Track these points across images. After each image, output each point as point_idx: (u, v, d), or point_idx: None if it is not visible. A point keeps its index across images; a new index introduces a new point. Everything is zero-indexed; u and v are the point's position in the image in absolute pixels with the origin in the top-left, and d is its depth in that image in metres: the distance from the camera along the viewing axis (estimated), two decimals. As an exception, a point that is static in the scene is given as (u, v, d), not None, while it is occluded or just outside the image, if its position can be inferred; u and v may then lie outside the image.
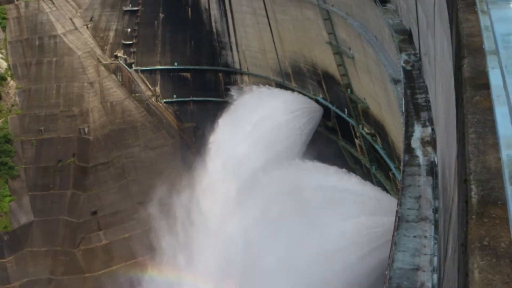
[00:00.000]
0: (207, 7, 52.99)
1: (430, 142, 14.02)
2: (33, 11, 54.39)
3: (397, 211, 11.52)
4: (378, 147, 34.69)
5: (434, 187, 12.30)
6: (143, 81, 55.57)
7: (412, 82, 17.77)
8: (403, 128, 15.02)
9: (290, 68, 47.10)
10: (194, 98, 55.57)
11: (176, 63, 55.32)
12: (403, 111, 16.06)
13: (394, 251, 10.46)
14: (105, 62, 54.75)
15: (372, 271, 23.20)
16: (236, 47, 52.39)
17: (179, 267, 45.76)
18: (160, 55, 55.56)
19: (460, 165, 6.74)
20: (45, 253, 49.61)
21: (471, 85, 6.85)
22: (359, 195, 28.18)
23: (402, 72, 18.94)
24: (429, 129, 14.67)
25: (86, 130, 52.09)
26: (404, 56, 20.04)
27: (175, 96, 55.60)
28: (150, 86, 55.65)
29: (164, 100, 55.49)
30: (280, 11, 44.69)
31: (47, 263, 49.50)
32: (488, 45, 6.83)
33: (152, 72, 55.73)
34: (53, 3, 54.95)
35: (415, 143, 14.00)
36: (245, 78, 53.13)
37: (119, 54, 55.48)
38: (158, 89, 55.75)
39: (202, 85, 55.25)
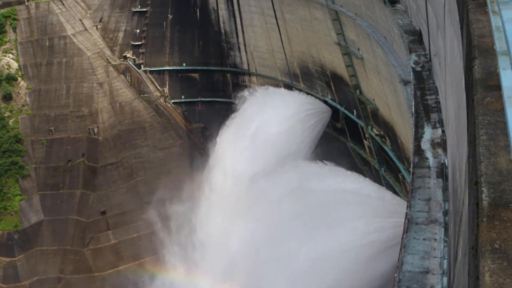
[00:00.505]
0: (215, 8, 53.06)
1: (440, 144, 13.90)
2: (43, 12, 54.79)
3: (406, 213, 11.43)
4: (388, 148, 34.51)
5: (444, 189, 12.19)
6: (152, 81, 55.78)
7: (422, 83, 17.65)
8: (413, 130, 14.91)
9: (298, 69, 47.01)
10: (202, 99, 55.67)
11: (184, 64, 55.45)
12: (413, 112, 15.94)
13: (403, 253, 10.38)
14: (114, 63, 55.02)
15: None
16: (244, 47, 52.40)
17: (186, 268, 45.82)
18: (168, 55, 55.73)
19: (471, 167, 6.67)
20: (54, 252, 49.95)
21: (482, 86, 6.78)
22: (367, 197, 28.04)
23: (412, 73, 18.82)
24: (439, 131, 14.55)
25: (96, 130, 52.37)
26: (414, 57, 19.91)
27: (183, 96, 55.73)
28: (158, 87, 55.85)
29: (173, 101, 55.64)
30: (288, 11, 44.62)
31: (56, 262, 49.83)
32: (499, 45, 6.76)
33: (160, 72, 55.92)
34: (63, 4, 55.32)
35: (425, 145, 13.88)
36: (253, 78, 53.13)
37: (128, 55, 55.74)
38: (166, 89, 55.92)
39: (210, 86, 55.33)
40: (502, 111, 5.96)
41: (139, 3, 55.77)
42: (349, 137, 43.32)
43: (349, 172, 32.83)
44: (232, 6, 51.66)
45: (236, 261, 34.81)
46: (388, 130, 33.87)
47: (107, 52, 55.34)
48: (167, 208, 49.63)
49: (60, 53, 54.04)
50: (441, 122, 14.93)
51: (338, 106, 42.65)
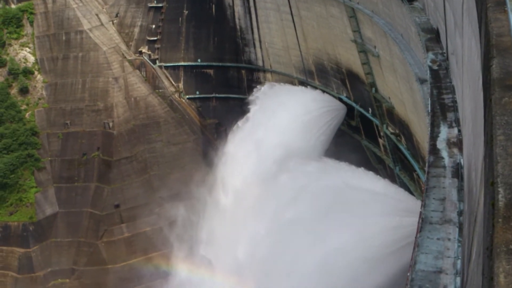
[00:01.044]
0: (231, 4, 53.07)
1: (456, 144, 13.78)
2: (60, 6, 55.30)
3: (420, 213, 11.37)
4: (403, 147, 34.27)
5: (460, 189, 12.09)
6: (167, 77, 56.05)
7: (439, 82, 17.49)
8: (429, 129, 14.78)
9: (313, 66, 46.85)
10: (216, 95, 55.80)
11: (199, 60, 55.60)
12: (429, 111, 15.81)
13: (416, 252, 10.34)
14: (129, 58, 55.38)
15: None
16: (260, 44, 52.35)
17: (198, 264, 46.06)
18: (183, 51, 55.93)
19: (487, 167, 6.62)
20: (68, 244, 50.58)
21: (500, 86, 6.72)
22: (381, 196, 27.91)
23: (428, 71, 18.65)
24: (455, 130, 14.42)
25: (111, 124, 52.82)
26: (431, 55, 19.73)
27: (198, 92, 55.92)
28: (173, 82, 56.10)
29: (187, 96, 55.86)
30: (304, 8, 44.45)
31: (70, 253, 50.46)
32: (518, 45, 6.68)
33: (175, 68, 56.16)
34: (80, -1, 55.81)
35: (441, 144, 13.76)
36: (268, 75, 53.08)
37: (143, 50, 56.06)
38: (181, 85, 56.16)
39: (224, 82, 55.42)
40: (520, 112, 5.90)
41: (155, -1, 56.04)
42: (364, 135, 43.11)
43: (361, 169, 32.68)
44: (248, 2, 51.63)
45: (247, 258, 34.90)
46: (404, 129, 33.64)
47: (123, 47, 55.71)
48: (180, 203, 49.93)
49: (77, 48, 54.54)
50: (457, 122, 14.80)
51: (353, 104, 42.43)
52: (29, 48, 55.48)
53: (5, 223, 50.23)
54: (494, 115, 6.22)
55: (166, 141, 53.37)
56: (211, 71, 55.96)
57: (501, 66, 7.08)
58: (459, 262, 10.24)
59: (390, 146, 37.31)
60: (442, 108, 15.60)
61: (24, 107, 53.83)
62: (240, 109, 49.96)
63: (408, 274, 9.99)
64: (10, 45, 55.46)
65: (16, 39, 55.58)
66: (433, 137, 14.11)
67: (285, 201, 32.47)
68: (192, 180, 50.17)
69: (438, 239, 10.69)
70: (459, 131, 14.41)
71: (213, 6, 54.28)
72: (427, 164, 13.19)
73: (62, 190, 51.86)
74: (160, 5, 55.95)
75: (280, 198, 33.72)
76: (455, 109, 15.55)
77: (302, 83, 48.60)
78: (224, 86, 55.33)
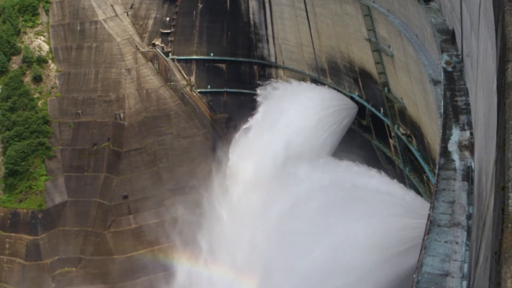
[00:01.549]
0: (246, -1, 53.00)
1: (468, 147, 13.66)
2: (76, -4, 55.58)
3: (429, 215, 11.29)
4: (413, 148, 34.05)
5: (469, 192, 11.99)
6: (179, 70, 56.16)
7: (453, 83, 17.32)
8: (441, 131, 14.66)
9: (326, 64, 46.66)
10: (228, 90, 55.84)
11: (212, 54, 55.63)
12: (442, 113, 15.67)
13: (423, 255, 10.28)
14: (143, 50, 55.56)
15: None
16: (273, 40, 52.24)
17: (206, 257, 46.23)
18: (196, 45, 55.98)
19: (499, 171, 6.54)
20: (76, 232, 51.01)
21: (515, 90, 6.62)
22: (387, 195, 27.78)
23: (442, 73, 18.48)
24: (467, 133, 14.29)
25: (122, 115, 53.09)
26: (445, 57, 19.54)
27: (209, 86, 55.98)
28: (185, 76, 56.21)
29: (198, 90, 55.96)
30: (319, 5, 44.25)
31: (78, 242, 50.89)
32: (535, 49, 6.58)
33: (188, 61, 56.25)
34: (96, -11, 56.01)
35: (452, 147, 13.65)
36: (280, 72, 52.98)
37: (156, 43, 56.20)
38: (193, 78, 56.25)
39: (236, 77, 55.42)
40: (534, 116, 5.81)
41: (170, -9, 56.08)
42: (375, 135, 42.90)
43: (372, 169, 32.53)
44: (263, -2, 51.54)
45: (256, 252, 34.96)
46: (415, 130, 33.41)
47: (136, 39, 55.89)
48: (188, 196, 50.11)
49: (91, 38, 54.81)
50: (470, 124, 14.66)
51: (365, 103, 42.21)
52: (44, 36, 55.85)
53: (14, 210, 50.77)
54: (508, 119, 6.14)
55: (176, 134, 53.55)
56: (223, 66, 55.98)
57: (517, 70, 6.98)
58: (466, 266, 10.17)
59: (400, 146, 37.10)
60: (454, 110, 15.46)
61: (37, 95, 54.26)
62: (251, 104, 49.94)
63: (414, 276, 9.94)
64: (25, 33, 55.88)
65: (31, 27, 55.98)
66: (445, 139, 14.00)
67: (294, 196, 32.42)
68: (201, 174, 50.33)
69: (445, 242, 10.61)
70: (471, 134, 14.28)
71: (228, 0, 54.23)
72: (437, 166, 13.08)
73: (72, 179, 52.28)
74: (175, -3, 56.03)
75: (289, 193, 33.68)
76: (468, 111, 15.40)
77: (314, 81, 48.44)
78: (235, 81, 55.34)
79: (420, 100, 30.01)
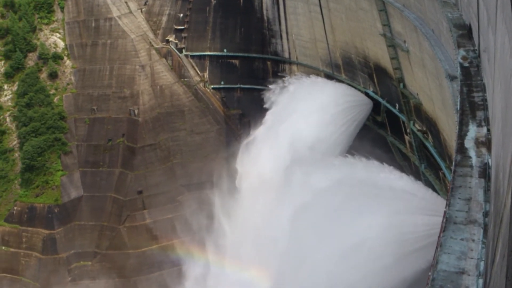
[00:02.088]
0: (259, -6, 52.83)
1: (485, 143, 13.47)
2: (90, -7, 55.96)
3: (445, 212, 11.18)
4: (429, 145, 33.71)
5: (486, 189, 11.84)
6: (192, 66, 56.30)
7: (469, 79, 17.08)
8: (457, 127, 14.48)
9: (340, 59, 46.38)
10: (241, 86, 55.83)
11: (225, 50, 55.63)
12: (458, 109, 15.48)
13: (439, 252, 10.18)
14: (156, 46, 55.78)
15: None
16: (286, 35, 52.05)
17: (219, 253, 46.41)
18: (210, 41, 56.03)
19: (517, 169, 6.44)
20: (92, 227, 51.57)
21: (535, 85, 6.51)
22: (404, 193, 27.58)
23: (459, 68, 18.23)
24: (484, 129, 14.09)
25: (136, 111, 53.43)
26: (462, 52, 19.27)
27: (222, 82, 56.03)
28: (198, 72, 56.32)
29: (212, 86, 56.04)
30: (333, 0, 43.97)
31: (93, 237, 51.46)
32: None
33: (201, 57, 56.34)
34: (110, -14, 56.32)
35: (469, 143, 13.47)
36: (294, 67, 52.80)
37: (170, 39, 56.36)
38: (206, 74, 56.34)
39: (250, 73, 55.37)
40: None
41: (184, -13, 56.14)
42: (390, 131, 42.57)
43: (386, 166, 32.31)
44: (276, -7, 51.34)
45: (269, 248, 34.98)
46: (431, 126, 33.08)
47: (150, 35, 56.13)
48: (201, 191, 50.31)
49: (105, 35, 55.18)
50: (487, 121, 14.46)
51: (380, 99, 41.88)
52: (59, 33, 56.36)
53: (31, 204, 51.48)
54: (527, 115, 6.03)
55: (190, 130, 53.74)
56: (236, 62, 55.96)
57: (536, 65, 6.86)
58: (482, 263, 10.05)
59: (416, 143, 36.77)
60: (471, 106, 15.26)
61: (52, 91, 54.84)
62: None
63: (429, 273, 9.85)
64: (40, 30, 56.46)
65: (47, 24, 56.53)
66: (461, 135, 13.83)
67: (308, 193, 32.33)
68: (215, 170, 50.47)
69: (461, 239, 10.50)
70: (488, 130, 14.09)
71: (241, -4, 54.17)
72: (453, 163, 12.93)
73: (87, 174, 52.82)
74: (188, -6, 56.08)
75: (302, 190, 33.59)
76: (485, 107, 15.19)
77: (328, 76, 48.19)
78: (249, 77, 55.29)
79: (436, 96, 29.70)
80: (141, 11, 57.14)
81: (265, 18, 53.19)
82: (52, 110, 53.58)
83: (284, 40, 52.47)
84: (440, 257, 10.09)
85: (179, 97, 54.52)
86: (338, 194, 29.33)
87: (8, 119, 54.50)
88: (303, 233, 30.40)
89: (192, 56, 56.23)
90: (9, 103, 54.95)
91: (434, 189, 31.74)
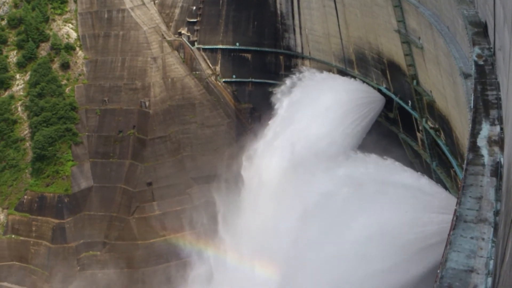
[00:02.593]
0: (273, -12, 52.59)
1: (498, 142, 13.30)
2: (104, -16, 56.09)
3: (455, 210, 11.07)
4: (441, 142, 33.43)
5: (498, 188, 11.70)
6: (204, 59, 56.28)
7: (484, 77, 16.87)
8: (470, 125, 14.32)
9: (353, 55, 46.08)
10: (253, 80, 55.71)
11: (237, 43, 55.51)
12: (472, 107, 15.30)
13: (448, 250, 10.09)
14: (169, 39, 55.83)
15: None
16: (300, 30, 51.79)
17: (226, 243, 46.52)
18: (222, 34, 55.93)
19: (531, 167, 6.33)
20: (101, 217, 51.95)
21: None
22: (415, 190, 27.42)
23: (473, 66, 18.01)
24: (497, 128, 13.91)
25: (147, 103, 53.59)
26: (477, 50, 19.02)
27: (234, 76, 55.95)
28: (210, 65, 56.30)
29: (223, 80, 56.01)
30: (348, -4, 43.64)
31: (102, 227, 51.86)
32: None
33: (213, 51, 56.29)
34: (124, -22, 56.40)
35: (481, 142, 13.31)
36: (306, 62, 52.55)
37: (183, 32, 56.37)
38: (218, 68, 56.30)
39: (262, 67, 55.22)
40: None
41: (197, -20, 56.05)
42: (402, 128, 42.27)
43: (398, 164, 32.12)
44: (290, -13, 51.07)
45: (277, 244, 34.96)
46: (444, 124, 32.78)
47: (163, 28, 56.17)
48: (211, 185, 50.40)
49: (118, 26, 55.33)
50: (500, 120, 14.28)
51: (393, 96, 41.57)
52: (72, 24, 56.62)
53: (41, 193, 51.96)
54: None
55: (200, 123, 53.82)
56: (248, 56, 55.83)
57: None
58: (491, 262, 9.95)
59: (428, 140, 36.48)
60: (485, 104, 15.07)
61: (64, 82, 55.18)
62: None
63: (438, 271, 9.77)
64: (53, 20, 56.75)
65: (60, 14, 56.80)
66: (474, 134, 13.67)
67: (318, 189, 32.22)
68: (225, 163, 50.51)
69: (471, 238, 10.39)
70: (501, 129, 13.92)
71: (255, -11, 53.95)
72: (465, 161, 12.79)
73: (98, 165, 53.16)
74: (202, -14, 56.00)
75: (312, 186, 33.50)
76: (498, 106, 15.00)
77: (341, 72, 47.91)
78: (261, 71, 55.16)
79: (450, 93, 29.40)
80: (154, 3, 57.20)
81: (279, 12, 52.96)
82: (64, 100, 53.93)
83: (297, 35, 52.23)
84: (449, 255, 10.00)
85: (190, 90, 54.58)
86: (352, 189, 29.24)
87: (19, 109, 54.97)
88: (315, 227, 30.35)
89: (204, 49, 56.21)
90: (21, 93, 55.40)
91: (445, 187, 31.52)
